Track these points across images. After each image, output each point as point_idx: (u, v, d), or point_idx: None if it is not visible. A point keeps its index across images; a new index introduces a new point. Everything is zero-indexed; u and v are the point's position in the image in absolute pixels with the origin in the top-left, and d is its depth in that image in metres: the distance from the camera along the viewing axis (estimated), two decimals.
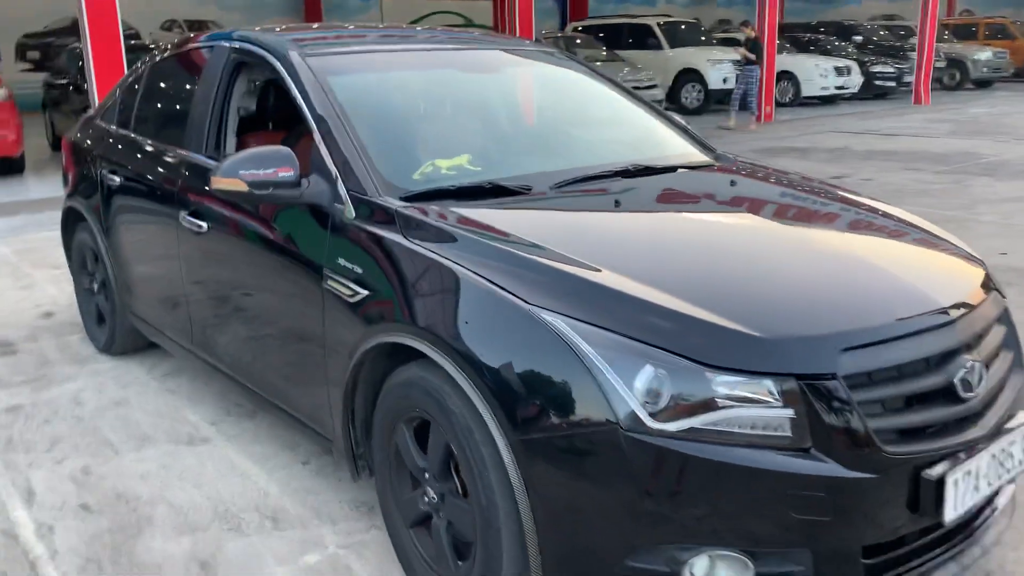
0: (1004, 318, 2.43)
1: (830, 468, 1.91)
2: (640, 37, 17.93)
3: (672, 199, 2.84)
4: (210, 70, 3.45)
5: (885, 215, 2.81)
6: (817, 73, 18.07)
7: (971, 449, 2.07)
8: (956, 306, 2.19)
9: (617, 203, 2.68)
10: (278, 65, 3.04)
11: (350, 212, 2.56)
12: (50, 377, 4.17)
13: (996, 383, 2.24)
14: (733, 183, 3.01)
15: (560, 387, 1.97)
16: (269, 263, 2.87)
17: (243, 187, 2.62)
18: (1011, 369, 2.36)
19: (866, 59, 19.79)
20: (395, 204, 2.50)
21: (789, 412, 1.92)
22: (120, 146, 3.99)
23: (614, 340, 1.96)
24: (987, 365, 2.23)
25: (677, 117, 3.72)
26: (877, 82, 19.53)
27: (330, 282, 2.55)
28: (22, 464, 3.31)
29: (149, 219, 3.65)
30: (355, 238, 2.53)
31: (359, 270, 2.47)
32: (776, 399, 1.92)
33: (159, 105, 3.95)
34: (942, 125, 14.48)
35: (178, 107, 3.72)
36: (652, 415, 1.90)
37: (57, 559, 2.69)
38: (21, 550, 2.75)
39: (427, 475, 2.35)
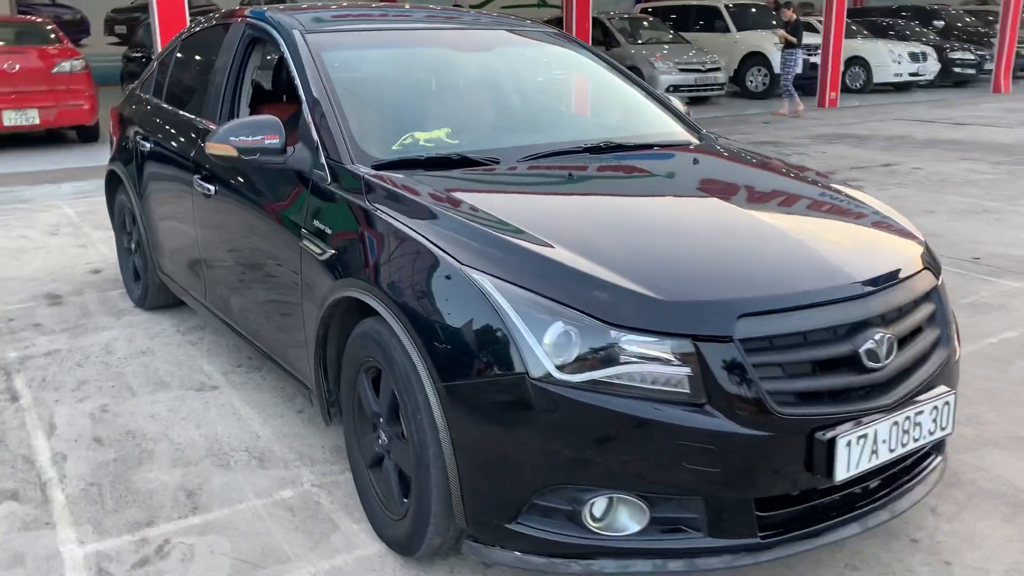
0: (934, 296, 2.51)
1: (721, 424, 2.06)
2: (708, 19, 17.78)
3: (627, 175, 2.98)
4: (228, 45, 3.71)
5: (837, 197, 2.90)
6: (890, 59, 17.62)
7: (871, 416, 2.19)
8: (870, 281, 2.30)
9: (571, 176, 2.84)
10: (281, 41, 3.28)
11: (327, 178, 2.79)
12: (88, 327, 4.54)
13: (912, 357, 2.34)
14: (696, 162, 3.14)
15: (480, 339, 2.16)
16: (261, 225, 3.12)
17: (233, 152, 2.87)
18: (935, 345, 2.46)
19: (946, 45, 19.18)
20: (363, 171, 2.72)
21: (686, 370, 2.07)
22: (151, 114, 4.31)
23: (529, 298, 2.14)
24: (903, 339, 2.33)
25: (674, 100, 3.84)
26: (956, 69, 18.93)
27: (305, 241, 2.78)
28: (49, 401, 3.66)
29: (171, 183, 3.95)
30: (327, 202, 2.75)
31: (329, 231, 2.70)
32: (674, 357, 2.07)
33: (185, 77, 4.25)
34: (1017, 115, 14.01)
35: (200, 79, 4.00)
36: (559, 367, 2.07)
37: (64, 482, 3.01)
38: (36, 473, 3.08)
39: (380, 420, 2.57)
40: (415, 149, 2.96)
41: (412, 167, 2.80)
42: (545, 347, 2.08)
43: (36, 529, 2.74)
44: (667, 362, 2.07)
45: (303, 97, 3.02)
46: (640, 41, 16.43)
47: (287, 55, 3.21)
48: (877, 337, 2.22)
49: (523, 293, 2.15)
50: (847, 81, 18.01)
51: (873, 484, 2.38)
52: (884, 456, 2.23)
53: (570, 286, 2.15)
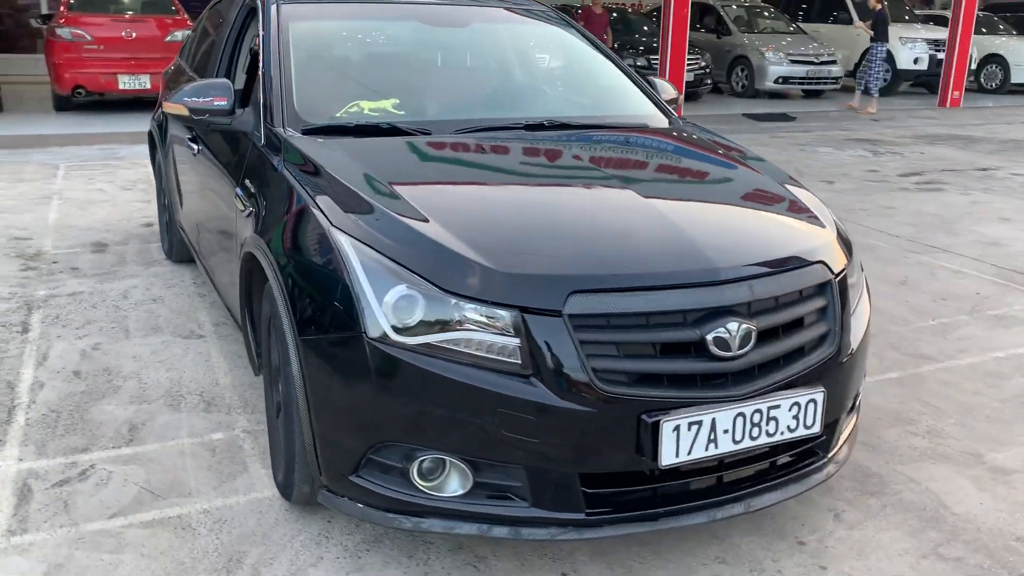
0: (827, 292, 2.42)
1: (543, 396, 2.08)
2: (830, 9, 17.03)
3: (540, 152, 2.98)
4: (231, 15, 3.93)
5: (760, 188, 2.83)
6: None
7: (712, 404, 2.15)
8: (734, 269, 2.25)
9: (483, 150, 2.88)
10: (259, 10, 3.45)
11: (261, 140, 2.94)
12: (117, 274, 4.90)
13: (780, 351, 2.28)
14: (627, 142, 3.11)
15: (331, 298, 2.25)
16: (216, 185, 3.32)
17: (185, 111, 3.06)
18: (820, 342, 2.37)
19: None
20: (288, 135, 2.85)
21: (515, 341, 2.10)
22: (175, 79, 4.60)
23: (378, 260, 2.21)
24: (772, 332, 2.27)
25: (662, 83, 3.79)
26: None
27: (236, 199, 2.94)
28: (52, 336, 3.99)
29: (179, 144, 4.21)
30: (256, 161, 2.90)
31: (252, 189, 2.85)
32: (505, 327, 2.10)
33: (202, 44, 4.50)
34: None
35: (209, 46, 4.24)
36: (397, 329, 2.14)
37: (31, 408, 3.30)
38: (11, 397, 3.39)
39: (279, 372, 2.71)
40: (357, 117, 3.06)
41: (341, 134, 2.91)
42: (384, 308, 2.15)
43: None
44: (499, 331, 2.11)
45: (260, 63, 3.17)
46: (755, 30, 15.94)
47: (260, 24, 3.38)
48: (730, 326, 2.17)
49: (374, 255, 2.23)
50: (982, 80, 16.92)
51: (735, 475, 2.34)
52: (727, 447, 2.18)
53: (417, 252, 2.21)
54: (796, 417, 2.26)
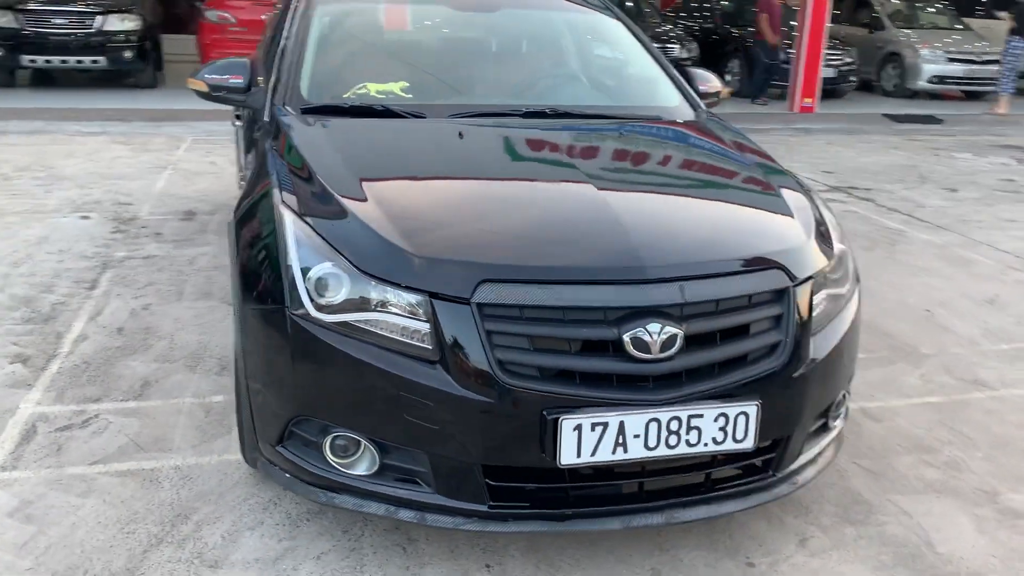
0: (784, 300, 2.26)
1: (444, 383, 2.07)
2: (998, 4, 15.70)
3: (518, 140, 2.93)
4: (284, 4, 4.08)
5: (748, 187, 2.68)
6: None
7: (624, 407, 2.06)
8: (667, 269, 2.15)
9: (460, 136, 2.87)
10: None
11: (264, 116, 3.05)
12: (194, 241, 5.20)
13: (714, 358, 2.16)
14: (620, 133, 3.00)
15: (267, 271, 2.32)
16: (240, 159, 3.46)
17: (204, 88, 3.22)
18: (768, 352, 2.23)
19: None
20: (279, 114, 2.94)
21: (425, 326, 2.09)
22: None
23: (311, 238, 2.26)
24: (708, 337, 2.15)
25: (704, 74, 3.65)
26: None
27: (239, 172, 3.07)
28: (113, 294, 4.29)
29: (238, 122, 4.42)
30: (257, 136, 3.01)
31: (251, 161, 2.97)
32: (416, 312, 2.10)
33: (268, 32, 4.69)
34: None
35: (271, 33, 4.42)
36: (318, 306, 2.18)
37: (67, 358, 3.57)
38: (55, 347, 3.67)
39: None
40: (355, 99, 3.11)
41: (335, 114, 2.97)
42: (308, 284, 2.19)
43: (17, 388, 3.30)
44: (412, 316, 2.11)
45: (280, 45, 3.28)
46: (914, 25, 14.94)
47: (291, 8, 3.49)
48: (651, 327, 2.08)
49: (309, 232, 2.27)
50: None
51: (662, 484, 2.24)
52: (639, 453, 2.09)
53: (346, 233, 2.24)
54: (724, 429, 2.13)
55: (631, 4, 13.80)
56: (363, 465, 2.22)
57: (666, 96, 3.40)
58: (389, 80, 3.21)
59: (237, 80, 3.18)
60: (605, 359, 2.09)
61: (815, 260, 2.39)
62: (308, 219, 2.30)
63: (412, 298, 2.10)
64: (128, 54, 10.79)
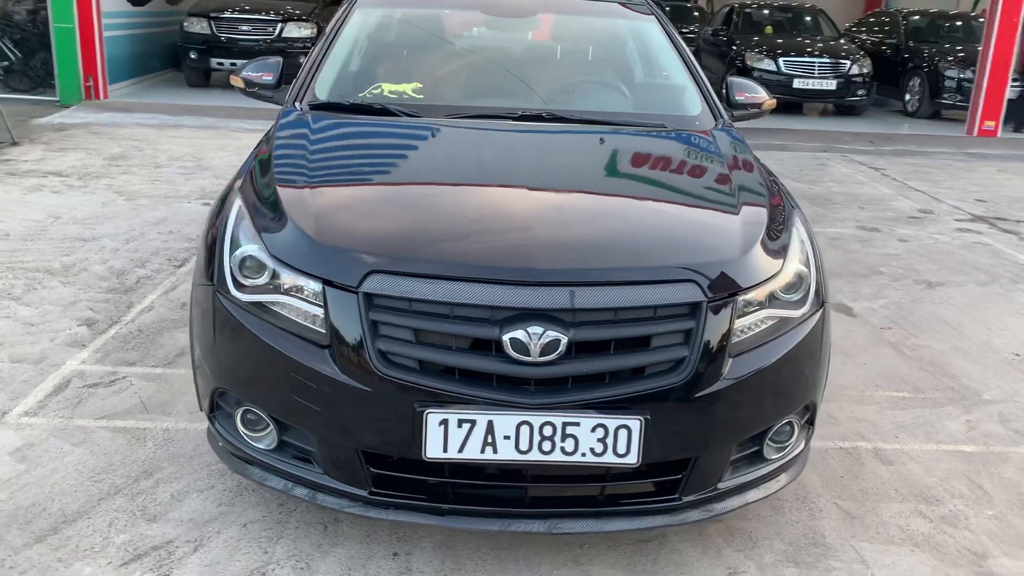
0: (696, 315, 2.15)
1: (327, 368, 2.14)
2: None
3: (490, 142, 2.94)
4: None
5: (701, 203, 2.59)
6: None
7: (493, 407, 2.05)
8: (557, 272, 2.11)
9: (433, 134, 2.91)
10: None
11: (283, 111, 3.25)
12: None
13: (604, 367, 2.10)
14: (601, 140, 2.93)
15: (212, 251, 2.48)
16: None
17: (242, 84, 3.47)
18: (671, 368, 2.13)
19: None
20: (289, 111, 3.12)
21: (319, 311, 2.18)
22: None
23: (245, 224, 2.40)
24: (601, 345, 2.10)
25: (746, 83, 3.51)
26: None
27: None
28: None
29: None
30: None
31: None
32: (313, 297, 2.19)
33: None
34: None
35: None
36: (239, 286, 2.32)
37: (127, 325, 3.94)
38: (121, 314, 4.06)
39: None
40: (368, 98, 3.25)
41: (339, 110, 3.13)
42: (232, 264, 2.34)
43: (72, 347, 3.70)
44: (311, 301, 2.20)
45: (316, 45, 3.49)
46: None
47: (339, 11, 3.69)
48: (532, 330, 2.05)
49: (246, 217, 2.42)
50: None
51: (547, 492, 2.21)
52: (509, 455, 2.07)
53: (270, 220, 2.37)
54: (603, 441, 2.07)
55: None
56: (267, 440, 2.33)
57: (686, 104, 3.29)
58: (404, 81, 3.32)
59: (268, 77, 3.41)
60: (484, 358, 2.09)
61: (746, 277, 2.25)
62: (250, 205, 2.45)
63: (311, 284, 2.19)
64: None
